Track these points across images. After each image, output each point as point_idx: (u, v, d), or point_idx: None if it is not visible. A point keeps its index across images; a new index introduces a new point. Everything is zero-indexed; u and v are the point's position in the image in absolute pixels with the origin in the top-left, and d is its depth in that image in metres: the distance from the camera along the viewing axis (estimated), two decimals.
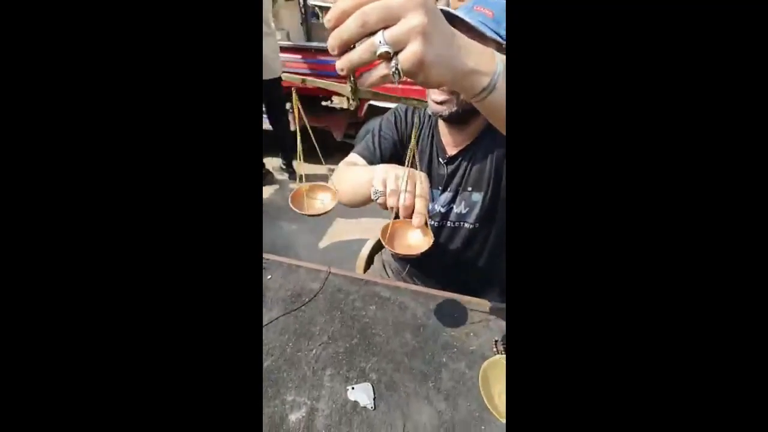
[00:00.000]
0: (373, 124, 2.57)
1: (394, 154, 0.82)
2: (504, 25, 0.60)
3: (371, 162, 0.80)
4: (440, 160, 0.79)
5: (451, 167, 0.78)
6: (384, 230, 0.55)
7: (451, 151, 0.78)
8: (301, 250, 1.99)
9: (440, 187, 0.80)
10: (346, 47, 0.31)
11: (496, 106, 0.36)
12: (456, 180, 0.78)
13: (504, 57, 0.35)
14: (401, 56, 0.29)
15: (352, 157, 0.83)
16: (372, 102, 2.60)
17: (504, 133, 0.40)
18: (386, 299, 0.74)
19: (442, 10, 0.56)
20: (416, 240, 0.56)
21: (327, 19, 0.30)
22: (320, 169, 2.71)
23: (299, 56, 2.37)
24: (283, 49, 2.40)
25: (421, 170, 0.78)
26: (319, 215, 0.54)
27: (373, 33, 0.29)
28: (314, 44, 2.49)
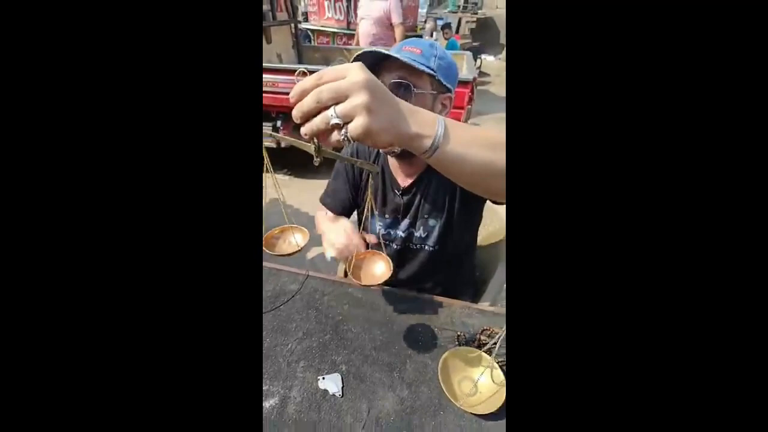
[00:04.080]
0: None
1: (348, 199, 0.94)
2: (432, 59, 0.68)
3: (335, 210, 0.93)
4: (395, 191, 0.87)
5: (406, 197, 0.86)
6: (348, 263, 0.65)
7: (404, 182, 0.86)
8: (290, 259, 2.03)
9: (399, 216, 0.88)
10: (307, 118, 0.37)
11: (443, 162, 0.42)
12: (413, 209, 0.86)
13: (448, 120, 0.41)
14: (350, 126, 0.36)
15: (322, 207, 0.96)
16: None
17: (458, 183, 0.46)
18: (359, 299, 0.79)
19: (374, 51, 0.64)
20: (380, 270, 0.69)
21: (291, 95, 0.37)
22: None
23: (291, 77, 2.48)
24: (275, 71, 2.50)
25: (376, 202, 0.89)
26: (289, 255, 0.61)
27: (327, 107, 0.36)
28: (304, 67, 2.60)
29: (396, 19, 3.01)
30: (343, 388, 0.61)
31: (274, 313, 0.75)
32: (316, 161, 0.44)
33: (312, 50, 3.69)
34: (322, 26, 4.98)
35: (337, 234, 0.70)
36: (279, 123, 2.72)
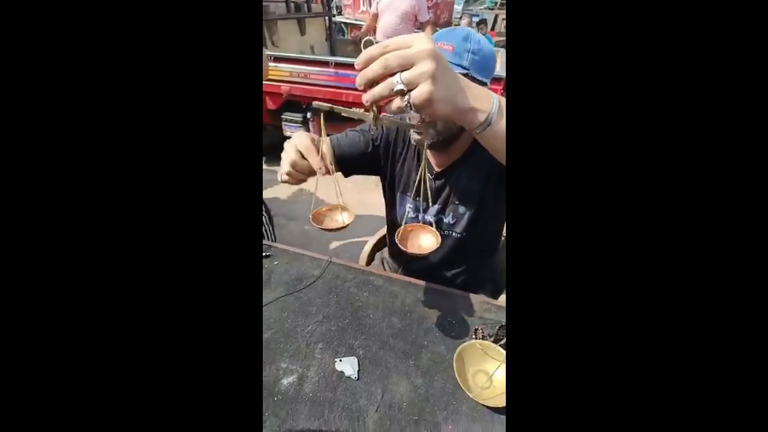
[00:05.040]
0: None
1: (355, 154, 0.85)
2: (465, 55, 0.67)
3: (333, 148, 0.84)
4: (429, 174, 0.86)
5: (439, 182, 0.86)
6: (398, 232, 0.65)
7: (438, 167, 0.86)
8: (314, 248, 2.08)
9: (429, 200, 0.88)
10: (371, 85, 0.39)
11: (493, 138, 0.43)
12: (444, 194, 0.86)
13: (501, 98, 0.42)
14: (413, 94, 0.37)
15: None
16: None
17: (503, 162, 0.46)
18: (379, 287, 0.80)
19: None
20: (426, 242, 0.68)
21: (356, 62, 0.38)
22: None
23: (323, 68, 2.51)
24: (308, 62, 2.55)
25: (410, 183, 0.87)
26: (336, 230, 0.63)
27: (392, 74, 0.37)
28: (337, 58, 2.63)
29: (424, 17, 2.98)
30: (359, 371, 0.63)
31: (296, 296, 0.78)
32: (373, 130, 0.47)
33: (345, 43, 3.72)
34: (356, 19, 5.01)
35: (291, 150, 0.62)
36: (309, 114, 2.77)
